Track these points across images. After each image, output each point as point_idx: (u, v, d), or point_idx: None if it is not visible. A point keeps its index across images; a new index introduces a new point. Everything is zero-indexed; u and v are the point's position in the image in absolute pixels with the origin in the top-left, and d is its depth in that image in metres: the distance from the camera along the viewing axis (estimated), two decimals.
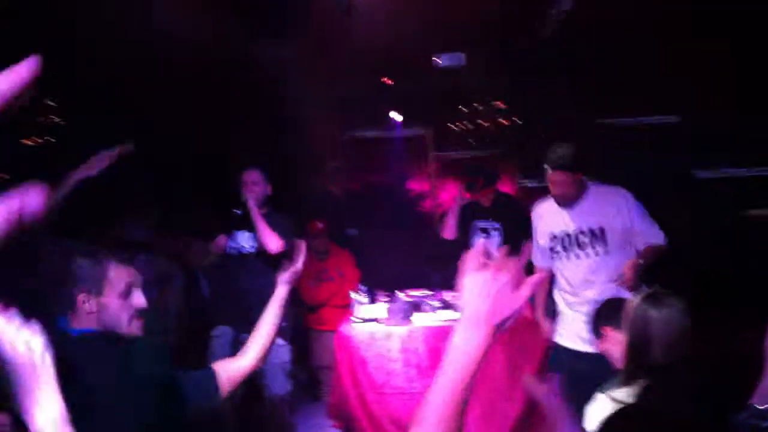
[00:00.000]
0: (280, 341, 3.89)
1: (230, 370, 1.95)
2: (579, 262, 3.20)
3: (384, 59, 5.96)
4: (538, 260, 3.44)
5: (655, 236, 3.11)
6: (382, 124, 6.82)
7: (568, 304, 3.30)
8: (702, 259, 4.74)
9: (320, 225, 4.93)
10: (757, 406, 1.13)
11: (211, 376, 1.88)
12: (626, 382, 1.92)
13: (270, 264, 3.84)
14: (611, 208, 3.14)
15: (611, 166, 3.95)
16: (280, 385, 3.91)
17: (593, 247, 3.16)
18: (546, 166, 3.14)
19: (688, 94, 6.07)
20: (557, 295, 3.40)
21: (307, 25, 4.91)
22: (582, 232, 3.19)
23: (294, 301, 4.96)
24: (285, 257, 3.80)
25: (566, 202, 3.20)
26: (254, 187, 3.92)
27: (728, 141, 5.98)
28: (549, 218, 3.33)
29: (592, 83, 6.15)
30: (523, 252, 4.24)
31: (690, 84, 5.90)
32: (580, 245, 3.19)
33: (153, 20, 3.94)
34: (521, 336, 3.91)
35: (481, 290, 0.96)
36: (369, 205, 5.77)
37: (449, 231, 4.62)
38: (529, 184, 6.58)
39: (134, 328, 1.70)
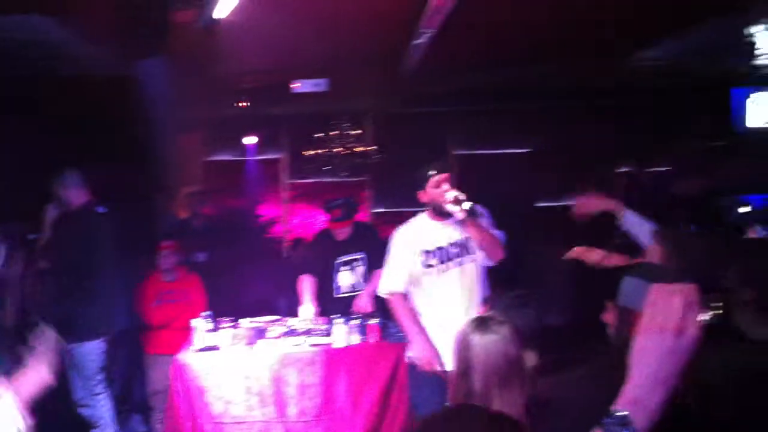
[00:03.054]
0: None
1: None
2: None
3: (244, 82, 5.86)
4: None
5: None
6: (236, 148, 6.68)
7: None
8: None
9: (169, 244, 4.77)
10: (618, 413, 1.10)
11: None
12: None
13: None
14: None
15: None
16: None
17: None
18: (431, 173, 3.22)
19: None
20: None
21: (167, 43, 4.71)
22: (453, 244, 3.30)
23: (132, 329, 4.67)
24: None
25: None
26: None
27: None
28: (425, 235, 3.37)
29: (452, 114, 6.40)
30: (373, 279, 4.20)
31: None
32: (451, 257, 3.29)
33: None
34: (366, 359, 3.89)
35: None
36: (220, 231, 5.59)
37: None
38: (380, 210, 6.69)
39: None
